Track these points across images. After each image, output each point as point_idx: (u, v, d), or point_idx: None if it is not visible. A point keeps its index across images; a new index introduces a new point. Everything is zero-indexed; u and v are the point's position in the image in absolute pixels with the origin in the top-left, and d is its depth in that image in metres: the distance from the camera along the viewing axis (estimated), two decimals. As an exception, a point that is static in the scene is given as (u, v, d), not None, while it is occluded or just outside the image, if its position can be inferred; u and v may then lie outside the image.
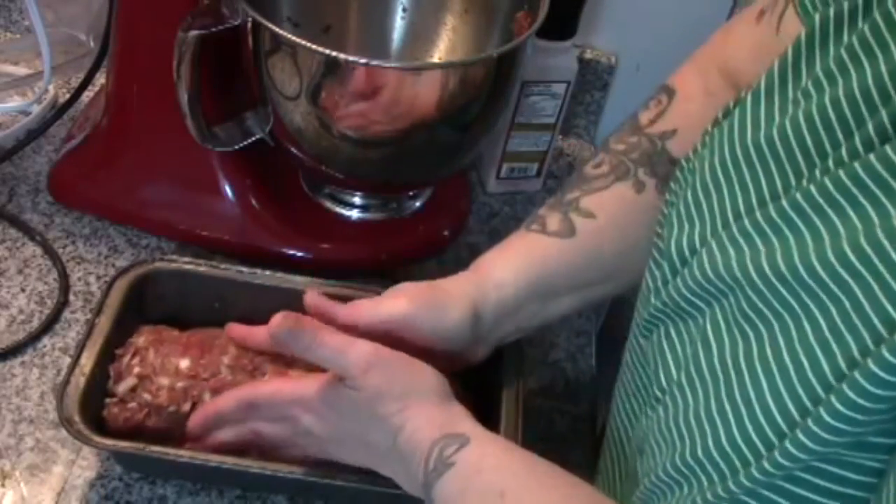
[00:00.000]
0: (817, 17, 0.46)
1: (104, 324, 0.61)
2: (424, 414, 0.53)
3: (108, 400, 0.60)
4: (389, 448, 0.53)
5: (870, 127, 0.40)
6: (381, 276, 0.74)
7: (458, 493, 0.50)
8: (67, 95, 0.80)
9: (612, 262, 0.60)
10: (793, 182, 0.43)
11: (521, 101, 0.83)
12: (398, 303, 0.57)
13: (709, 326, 0.45)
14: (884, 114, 0.39)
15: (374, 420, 0.53)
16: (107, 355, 0.60)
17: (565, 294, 0.60)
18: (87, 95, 0.81)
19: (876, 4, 0.43)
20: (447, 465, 0.51)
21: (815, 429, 0.37)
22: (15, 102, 0.87)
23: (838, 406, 0.36)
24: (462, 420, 0.53)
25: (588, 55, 0.92)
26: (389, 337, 0.56)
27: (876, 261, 0.36)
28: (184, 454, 0.56)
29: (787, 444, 0.38)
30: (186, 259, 0.67)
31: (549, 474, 0.51)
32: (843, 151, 0.40)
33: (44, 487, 0.60)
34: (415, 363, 0.54)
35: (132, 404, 0.59)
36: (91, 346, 0.60)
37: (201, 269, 0.66)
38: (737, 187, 0.46)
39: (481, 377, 0.62)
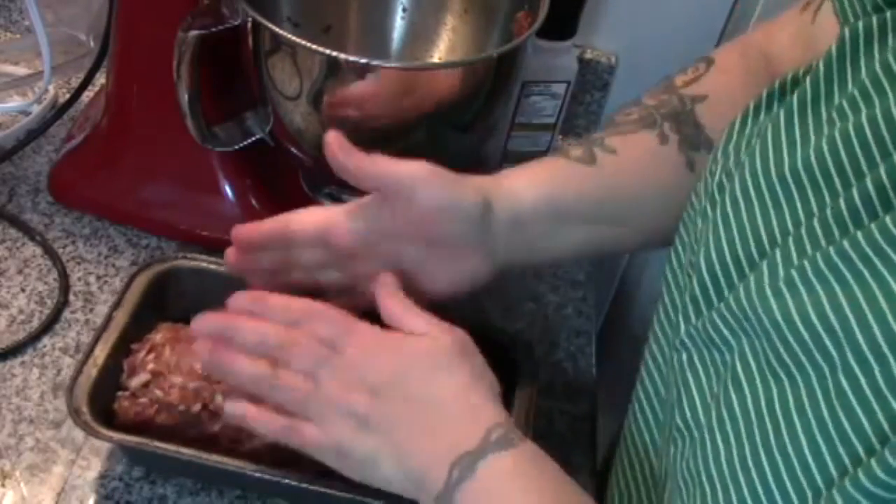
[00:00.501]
0: (847, 31, 0.45)
1: (121, 318, 0.62)
2: (486, 395, 0.51)
3: (119, 393, 0.60)
4: (443, 402, 0.50)
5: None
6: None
7: (512, 472, 0.48)
8: (67, 95, 0.80)
9: (626, 204, 0.59)
10: (828, 202, 0.42)
11: (521, 101, 0.83)
12: (418, 166, 0.56)
13: (738, 364, 0.44)
14: None
15: (445, 365, 0.51)
16: (121, 349, 0.61)
17: (578, 223, 0.59)
18: (87, 95, 0.81)
19: None
20: (510, 443, 0.49)
21: (853, 491, 0.36)
22: (15, 102, 0.87)
23: (878, 472, 0.35)
24: (513, 422, 0.52)
25: (588, 55, 0.92)
26: (398, 200, 0.55)
27: None
28: (186, 452, 0.56)
29: (824, 502, 0.38)
30: (208, 258, 0.66)
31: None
32: (882, 171, 0.39)
33: (44, 487, 0.60)
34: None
35: (143, 399, 0.59)
36: (106, 339, 0.60)
37: (223, 268, 0.66)
38: (771, 208, 0.45)
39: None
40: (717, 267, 0.46)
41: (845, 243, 0.39)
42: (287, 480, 0.56)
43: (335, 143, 0.56)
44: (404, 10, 0.80)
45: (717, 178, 0.50)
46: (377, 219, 0.57)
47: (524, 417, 0.60)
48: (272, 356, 0.53)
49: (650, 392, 0.55)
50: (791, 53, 0.58)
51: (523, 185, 0.58)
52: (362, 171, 0.56)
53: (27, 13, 0.80)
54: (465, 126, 0.71)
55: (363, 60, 0.63)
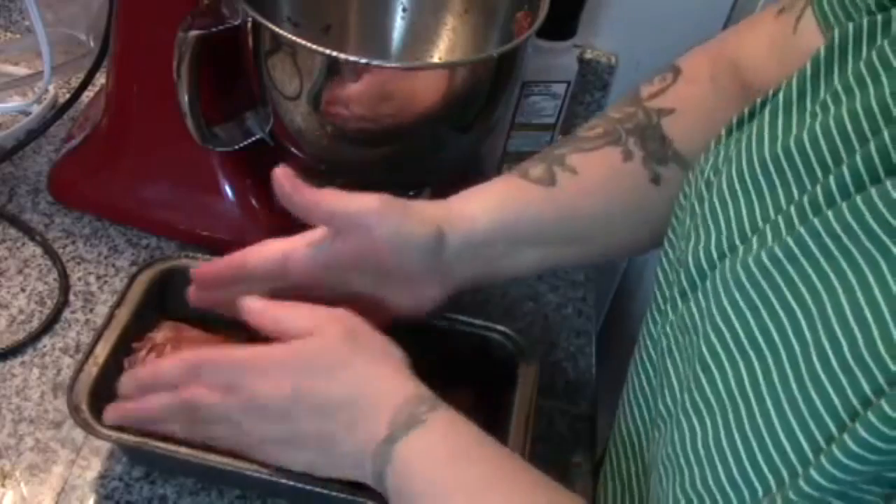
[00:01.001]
0: (837, 32, 0.46)
1: (123, 316, 0.62)
2: (392, 373, 0.53)
3: None
4: (346, 400, 0.52)
5: (885, 136, 0.39)
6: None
7: (425, 451, 0.50)
8: (67, 95, 0.80)
9: (585, 224, 0.59)
10: (808, 188, 0.43)
11: (521, 101, 0.83)
12: (370, 199, 0.56)
13: (704, 347, 0.45)
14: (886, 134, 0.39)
15: (333, 367, 0.52)
16: (122, 348, 0.61)
17: (535, 245, 0.59)
18: (87, 95, 0.81)
19: (895, 20, 0.43)
20: (419, 422, 0.50)
21: (829, 467, 0.37)
22: (15, 102, 0.87)
23: (852, 445, 0.36)
24: (428, 392, 0.53)
25: (588, 55, 0.92)
26: (351, 233, 0.56)
27: (884, 308, 0.36)
28: (185, 451, 0.56)
29: (800, 481, 0.38)
30: (210, 258, 0.66)
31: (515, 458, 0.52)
32: (858, 157, 0.40)
33: (44, 487, 0.60)
34: (387, 337, 0.54)
35: None
36: (107, 338, 0.60)
37: None
38: (754, 198, 0.46)
39: (495, 390, 0.63)
40: (703, 259, 0.47)
41: (816, 222, 0.40)
42: (285, 480, 0.56)
43: (284, 180, 0.56)
44: (404, 10, 0.80)
45: (706, 175, 0.51)
46: (331, 251, 0.57)
47: (524, 423, 0.60)
48: (188, 419, 0.55)
49: (637, 387, 0.56)
50: (763, 61, 0.58)
51: (478, 210, 0.58)
52: (313, 207, 0.56)
53: (27, 13, 0.80)
54: (465, 126, 0.71)
55: (363, 60, 0.63)
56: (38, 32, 0.76)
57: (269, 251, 0.59)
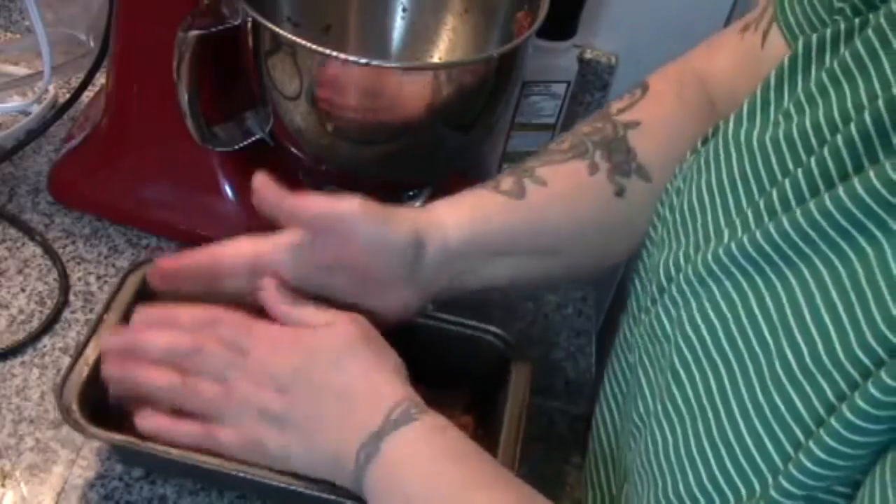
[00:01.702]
0: (801, 42, 0.47)
1: (112, 318, 0.61)
2: (392, 375, 0.53)
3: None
4: (343, 390, 0.52)
5: (839, 141, 0.40)
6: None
7: (413, 448, 0.50)
8: (67, 95, 0.80)
9: (554, 235, 0.60)
10: (767, 193, 0.44)
11: (521, 101, 0.83)
12: (351, 203, 0.56)
13: (675, 356, 0.45)
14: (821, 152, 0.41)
15: (339, 356, 0.53)
16: None
17: (505, 255, 0.59)
18: (87, 95, 0.81)
19: (857, 31, 0.44)
20: (410, 418, 0.51)
21: (797, 474, 0.37)
22: (15, 102, 0.86)
23: (818, 452, 0.37)
24: (421, 399, 0.53)
25: (588, 55, 0.92)
26: (330, 236, 0.56)
27: (841, 309, 0.37)
28: (175, 453, 0.56)
29: (770, 490, 0.39)
30: None
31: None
32: (813, 162, 0.41)
33: (44, 487, 0.60)
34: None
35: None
36: (97, 339, 0.60)
37: None
38: (719, 209, 0.47)
39: (490, 391, 0.62)
40: (672, 266, 0.48)
41: (771, 227, 0.41)
42: (277, 483, 0.55)
43: (262, 185, 0.57)
44: (404, 10, 0.80)
45: (675, 185, 0.52)
46: (308, 253, 0.57)
47: (515, 423, 0.59)
48: (181, 366, 0.55)
49: (610, 395, 0.57)
50: (729, 76, 0.60)
51: (451, 220, 0.58)
52: (297, 211, 0.57)
53: (27, 13, 0.80)
54: (465, 126, 0.71)
55: (363, 60, 0.63)
56: (38, 32, 0.76)
57: (241, 250, 0.59)
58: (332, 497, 0.54)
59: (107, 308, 0.62)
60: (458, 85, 0.67)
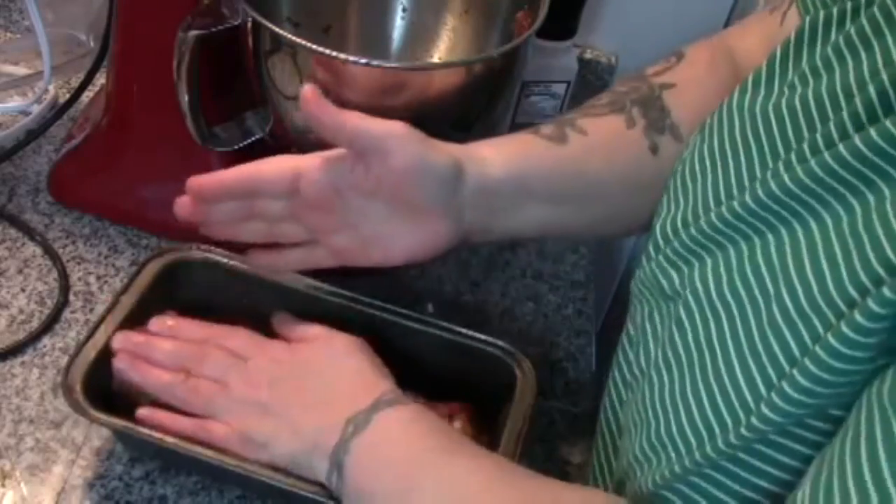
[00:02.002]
0: (809, 18, 0.49)
1: (127, 302, 0.62)
2: (376, 376, 0.56)
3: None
4: (332, 384, 0.56)
5: (831, 122, 0.42)
6: (383, 274, 0.73)
7: (405, 420, 0.53)
8: (67, 95, 0.80)
9: (592, 185, 0.60)
10: (770, 166, 0.46)
11: (521, 101, 0.83)
12: (393, 125, 0.56)
13: (681, 307, 0.47)
14: (832, 121, 0.42)
15: (334, 362, 0.57)
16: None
17: (542, 200, 0.59)
18: (87, 95, 0.81)
19: (864, 8, 0.46)
20: (404, 401, 0.54)
21: (779, 402, 0.39)
22: (15, 102, 0.87)
23: (800, 379, 0.38)
24: (403, 395, 0.56)
25: (588, 55, 0.92)
26: (373, 157, 0.56)
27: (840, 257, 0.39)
28: (170, 440, 0.56)
29: (753, 418, 0.41)
30: (221, 251, 0.66)
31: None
32: (805, 146, 0.43)
33: (44, 487, 0.60)
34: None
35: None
36: (110, 322, 0.60)
37: (233, 262, 0.66)
38: (720, 172, 0.49)
39: (495, 403, 0.62)
40: (668, 225, 0.51)
41: (773, 185, 0.43)
42: (276, 482, 0.55)
43: (312, 98, 0.56)
44: (404, 10, 0.80)
45: (683, 153, 0.54)
46: (349, 173, 0.57)
47: (515, 438, 0.59)
48: (185, 368, 0.59)
49: (619, 358, 0.58)
50: (756, 53, 0.60)
51: (494, 157, 0.58)
52: (338, 127, 0.56)
53: (27, 13, 0.80)
54: (465, 126, 0.71)
55: (363, 60, 0.63)
56: (38, 32, 0.76)
57: (283, 165, 0.58)
58: (331, 499, 0.54)
59: (124, 291, 0.62)
60: (458, 85, 0.67)
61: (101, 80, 0.79)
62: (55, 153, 0.83)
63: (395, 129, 0.55)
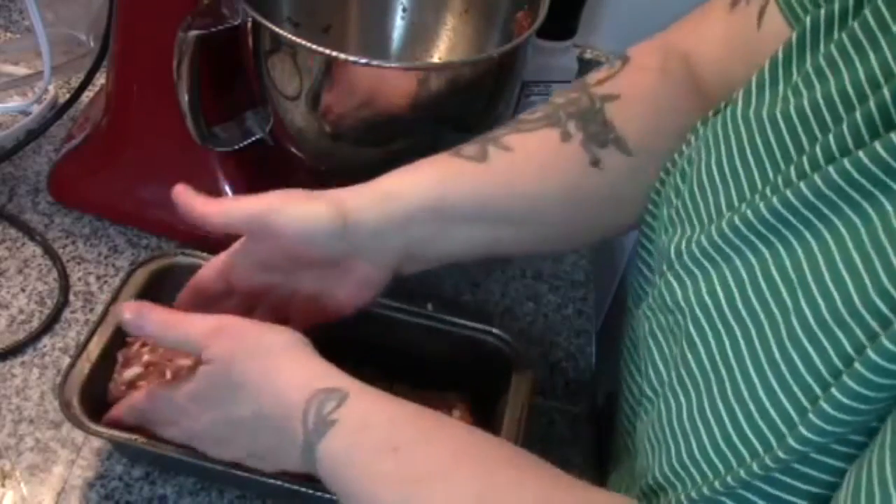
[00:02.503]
0: (808, 19, 0.47)
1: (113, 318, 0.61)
2: (287, 371, 0.51)
3: (115, 377, 0.60)
4: (257, 417, 0.51)
5: (844, 128, 0.41)
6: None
7: (344, 452, 0.49)
8: (67, 95, 0.80)
9: (518, 202, 0.57)
10: (782, 173, 0.44)
11: (521, 101, 0.83)
12: (268, 198, 0.56)
13: (690, 323, 0.46)
14: (845, 123, 0.41)
15: (232, 391, 0.52)
16: (116, 344, 0.61)
17: (469, 221, 0.57)
18: (87, 95, 0.81)
19: (866, 2, 0.44)
20: (329, 424, 0.49)
21: (806, 432, 0.38)
22: (15, 102, 0.86)
23: (828, 409, 0.37)
24: (334, 374, 0.51)
25: (588, 55, 0.92)
26: (262, 233, 0.56)
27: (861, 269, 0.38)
28: (170, 449, 0.56)
29: (787, 442, 0.39)
30: (207, 255, 0.66)
31: (440, 425, 0.51)
32: (819, 151, 0.41)
33: (44, 487, 0.60)
34: (265, 324, 0.54)
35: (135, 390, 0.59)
36: (101, 333, 0.60)
37: None
38: (731, 186, 0.47)
39: (492, 394, 0.62)
40: (683, 248, 0.48)
41: (789, 194, 0.41)
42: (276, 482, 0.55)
43: (185, 197, 0.57)
44: (404, 10, 0.80)
45: (679, 166, 0.52)
46: (260, 256, 0.58)
47: (514, 429, 0.59)
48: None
49: (626, 371, 0.57)
50: (718, 56, 0.58)
51: (399, 188, 0.56)
52: (227, 219, 0.56)
53: (27, 13, 0.80)
54: (465, 126, 0.71)
55: (363, 60, 0.63)
56: (38, 32, 0.76)
57: (212, 271, 0.60)
58: (331, 496, 0.54)
59: (113, 301, 0.62)
60: (458, 85, 0.67)
61: (101, 80, 0.79)
62: (55, 153, 0.83)
63: (269, 203, 0.55)
